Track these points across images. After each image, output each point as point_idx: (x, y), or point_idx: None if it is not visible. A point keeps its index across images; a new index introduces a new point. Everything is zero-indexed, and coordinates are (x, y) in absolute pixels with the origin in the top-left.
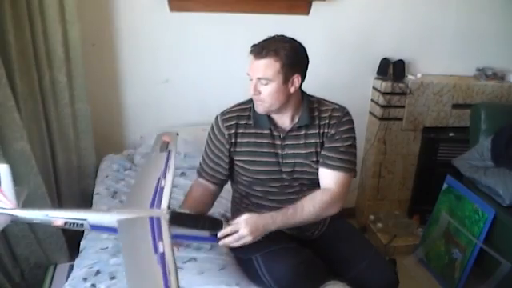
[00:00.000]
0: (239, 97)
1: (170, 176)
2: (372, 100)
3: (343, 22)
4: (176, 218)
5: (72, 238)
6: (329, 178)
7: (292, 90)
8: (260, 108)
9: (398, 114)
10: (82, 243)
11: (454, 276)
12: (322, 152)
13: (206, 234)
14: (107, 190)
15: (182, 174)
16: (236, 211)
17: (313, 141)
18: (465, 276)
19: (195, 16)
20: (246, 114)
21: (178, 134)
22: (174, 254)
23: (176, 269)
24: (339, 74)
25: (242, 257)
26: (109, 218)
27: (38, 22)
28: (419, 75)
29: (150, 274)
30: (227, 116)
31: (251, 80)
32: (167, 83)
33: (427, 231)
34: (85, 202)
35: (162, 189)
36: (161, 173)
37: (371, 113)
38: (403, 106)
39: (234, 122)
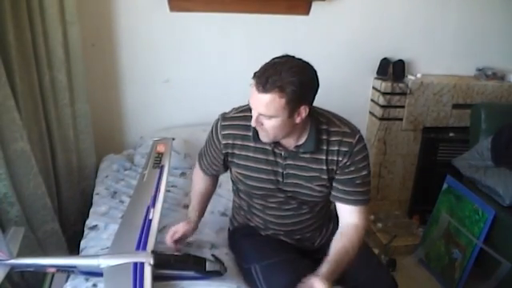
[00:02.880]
0: (239, 96)
1: (158, 205)
2: (372, 100)
3: (343, 22)
4: (160, 261)
5: (72, 238)
6: (352, 213)
7: (298, 120)
8: (264, 139)
9: (398, 114)
10: (82, 243)
11: (454, 276)
12: (337, 185)
13: (191, 273)
14: (107, 190)
15: (182, 174)
16: (235, 215)
17: (317, 167)
18: (465, 276)
19: (195, 16)
20: (246, 123)
21: (173, 139)
22: None
23: None
24: (339, 74)
25: (242, 264)
26: (96, 265)
27: (38, 22)
28: (419, 75)
29: None
30: (227, 123)
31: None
32: (167, 83)
33: (427, 231)
34: (85, 201)
35: (150, 221)
36: (151, 199)
37: (371, 113)
38: (403, 106)
39: (232, 131)
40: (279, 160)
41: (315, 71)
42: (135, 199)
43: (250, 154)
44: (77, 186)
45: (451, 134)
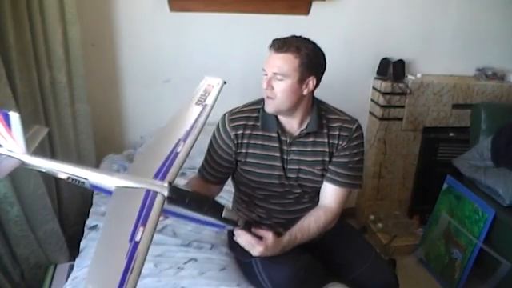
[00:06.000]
0: (239, 96)
1: (190, 140)
2: (372, 100)
3: (343, 22)
4: (176, 197)
5: (72, 238)
6: (332, 194)
7: (305, 92)
8: (270, 106)
9: (398, 114)
10: (81, 243)
11: (454, 276)
12: (330, 167)
13: (206, 218)
14: None
15: (182, 174)
16: (237, 211)
17: (321, 149)
18: (465, 276)
19: (195, 16)
20: (255, 115)
21: (225, 83)
22: (151, 241)
23: (141, 265)
24: (339, 73)
25: (242, 259)
26: (109, 182)
27: (38, 22)
28: (419, 75)
29: (112, 264)
30: (235, 116)
31: (265, 75)
32: (168, 83)
33: (427, 231)
34: (85, 202)
35: (177, 154)
36: (184, 133)
37: (371, 113)
38: (403, 106)
39: (243, 122)
40: (284, 147)
41: (324, 54)
42: (168, 130)
43: (259, 142)
44: (77, 186)
45: (451, 134)
